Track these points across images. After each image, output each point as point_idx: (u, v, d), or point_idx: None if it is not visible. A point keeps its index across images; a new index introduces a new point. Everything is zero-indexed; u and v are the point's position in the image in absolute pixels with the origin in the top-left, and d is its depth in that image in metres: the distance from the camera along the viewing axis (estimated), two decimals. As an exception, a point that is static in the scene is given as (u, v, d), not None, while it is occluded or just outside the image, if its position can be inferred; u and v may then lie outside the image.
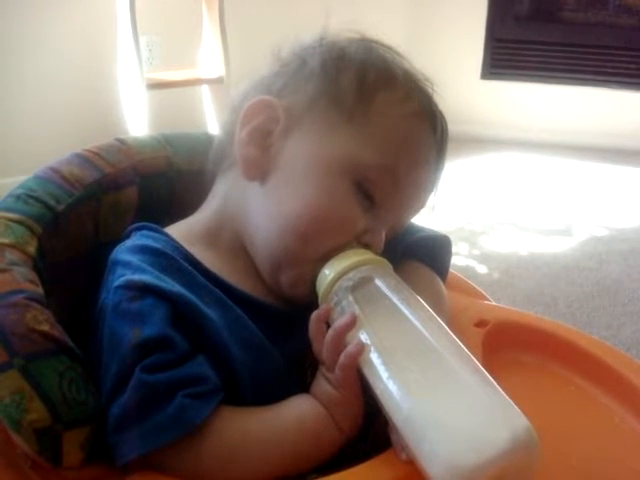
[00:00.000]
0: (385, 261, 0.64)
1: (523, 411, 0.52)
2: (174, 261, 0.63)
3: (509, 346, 0.76)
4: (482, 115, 3.93)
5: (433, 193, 0.72)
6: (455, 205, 2.90)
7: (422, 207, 0.71)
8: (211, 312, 0.60)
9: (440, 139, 0.69)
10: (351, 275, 0.61)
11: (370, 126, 0.66)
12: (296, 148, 0.66)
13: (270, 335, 0.64)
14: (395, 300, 0.59)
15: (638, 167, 3.57)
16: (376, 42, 0.70)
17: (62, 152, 0.74)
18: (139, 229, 0.68)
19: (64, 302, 0.67)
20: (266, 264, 0.67)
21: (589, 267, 2.42)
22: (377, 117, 0.66)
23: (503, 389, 0.54)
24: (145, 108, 2.73)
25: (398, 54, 0.70)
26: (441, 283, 0.77)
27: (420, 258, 0.76)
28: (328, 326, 0.60)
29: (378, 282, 0.60)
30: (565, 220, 2.86)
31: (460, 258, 2.40)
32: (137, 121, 2.76)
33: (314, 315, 0.61)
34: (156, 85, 2.74)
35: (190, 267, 0.63)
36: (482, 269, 2.36)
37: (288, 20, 3.21)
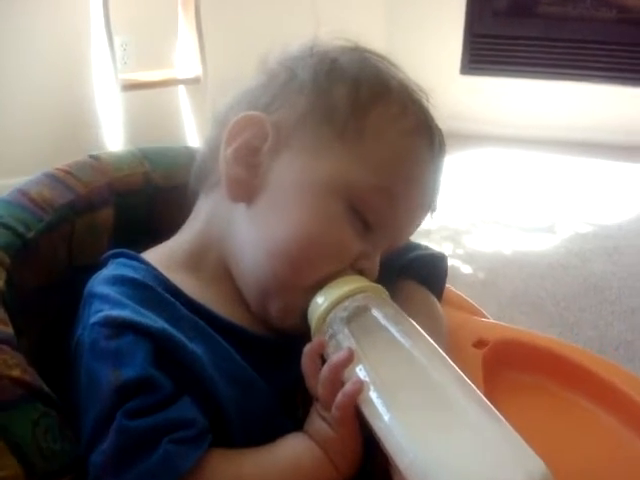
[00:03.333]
0: (381, 288, 0.60)
1: (529, 441, 0.48)
2: (155, 292, 0.58)
3: (510, 366, 0.73)
4: (462, 111, 3.89)
5: (430, 210, 0.68)
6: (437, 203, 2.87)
7: (419, 226, 0.68)
8: (195, 347, 0.56)
9: (438, 155, 0.66)
10: (346, 304, 0.57)
11: (364, 144, 0.62)
12: (285, 167, 0.62)
13: (259, 368, 0.60)
14: (394, 331, 0.55)
15: (621, 162, 3.57)
16: (369, 51, 0.66)
17: (34, 155, 0.70)
18: (116, 256, 0.63)
19: (35, 334, 0.63)
20: (253, 292, 0.63)
21: (574, 265, 2.41)
22: (371, 134, 0.62)
23: (505, 412, 0.51)
24: (120, 110, 2.67)
25: (392, 64, 0.66)
26: (437, 303, 0.73)
27: (416, 278, 0.73)
28: (322, 359, 0.56)
29: (375, 312, 0.56)
30: (548, 217, 2.85)
31: (444, 258, 2.37)
32: (112, 123, 2.70)
33: (307, 349, 0.56)
34: (131, 86, 2.68)
35: (172, 298, 0.59)
36: (466, 269, 2.34)
37: (266, 18, 3.17)
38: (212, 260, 0.65)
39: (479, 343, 0.73)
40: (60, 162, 0.71)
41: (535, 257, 2.47)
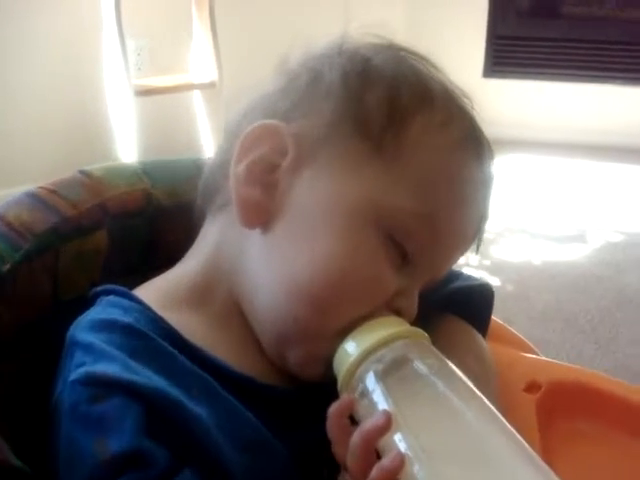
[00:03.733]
0: (422, 332, 0.50)
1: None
2: (150, 341, 0.48)
3: (567, 413, 0.63)
4: (485, 115, 3.76)
5: (478, 236, 0.58)
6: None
7: (464, 254, 0.58)
8: (198, 408, 0.46)
9: (487, 171, 0.56)
10: (381, 354, 0.47)
11: (403, 160, 0.52)
12: (309, 188, 0.52)
13: (275, 426, 0.50)
14: (442, 390, 0.45)
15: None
16: (406, 50, 0.56)
17: (46, 164, 0.60)
18: (106, 293, 0.53)
19: (13, 380, 0.53)
20: (269, 337, 0.53)
21: (607, 276, 2.30)
22: (412, 149, 0.52)
23: (564, 468, 0.44)
24: (134, 116, 2.58)
25: (433, 66, 0.56)
26: (484, 343, 0.63)
27: (458, 313, 0.63)
28: (352, 421, 0.46)
29: (417, 364, 0.46)
30: (578, 225, 2.74)
31: (470, 270, 2.26)
32: (125, 130, 2.62)
33: (333, 409, 0.46)
34: (145, 91, 2.60)
35: (170, 347, 0.49)
36: (494, 281, 2.23)
37: (283, 19, 3.08)
38: (220, 296, 0.55)
39: (531, 386, 0.64)
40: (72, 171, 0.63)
41: (566, 268, 2.37)
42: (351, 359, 0.47)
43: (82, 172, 0.62)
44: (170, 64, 2.87)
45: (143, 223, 0.63)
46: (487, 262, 2.36)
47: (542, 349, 0.76)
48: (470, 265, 2.29)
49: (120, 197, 0.62)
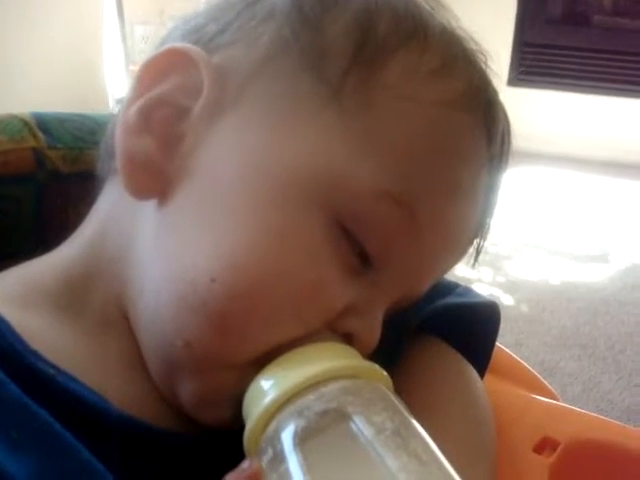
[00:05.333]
0: (377, 371, 0.33)
1: None
2: None
3: None
4: (508, 125, 3.65)
5: (477, 239, 0.42)
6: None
7: (455, 263, 0.41)
8: (16, 463, 0.30)
9: (499, 150, 0.40)
10: (305, 403, 0.30)
11: (372, 115, 0.36)
12: (227, 146, 0.36)
13: None
14: (391, 467, 0.27)
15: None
16: None
17: None
18: None
19: None
20: (155, 362, 0.37)
21: (631, 300, 2.15)
22: (387, 99, 0.36)
23: None
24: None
25: (440, 3, 0.40)
26: (479, 382, 0.46)
27: (446, 337, 0.46)
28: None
29: (358, 423, 0.29)
30: (601, 244, 2.60)
31: (482, 286, 2.09)
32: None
33: None
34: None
35: None
36: (507, 300, 2.07)
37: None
38: (99, 296, 0.39)
39: (543, 445, 0.48)
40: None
41: (586, 290, 2.20)
42: (262, 405, 0.30)
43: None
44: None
45: (31, 193, 0.47)
46: (501, 279, 2.20)
47: (556, 378, 0.61)
48: (483, 281, 2.13)
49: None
